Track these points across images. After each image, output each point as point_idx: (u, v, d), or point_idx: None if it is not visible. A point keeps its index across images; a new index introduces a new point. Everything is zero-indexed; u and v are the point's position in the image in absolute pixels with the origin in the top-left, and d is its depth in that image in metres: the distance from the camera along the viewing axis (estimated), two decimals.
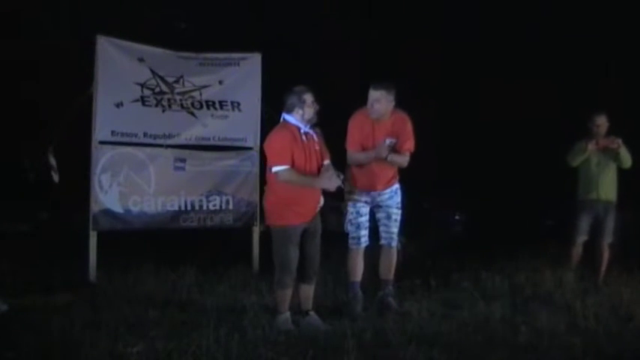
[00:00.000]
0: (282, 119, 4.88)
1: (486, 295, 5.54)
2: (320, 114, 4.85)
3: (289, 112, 4.81)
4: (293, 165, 4.70)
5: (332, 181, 4.75)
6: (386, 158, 5.26)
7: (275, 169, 4.72)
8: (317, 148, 4.84)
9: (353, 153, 5.34)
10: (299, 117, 4.79)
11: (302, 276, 4.89)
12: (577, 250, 6.47)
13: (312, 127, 4.86)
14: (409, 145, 5.38)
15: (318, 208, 4.89)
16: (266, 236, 7.32)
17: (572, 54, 11.65)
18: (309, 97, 4.77)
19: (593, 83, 10.93)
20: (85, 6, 11.00)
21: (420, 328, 4.59)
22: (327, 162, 4.91)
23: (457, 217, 13.11)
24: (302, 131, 4.78)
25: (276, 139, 4.78)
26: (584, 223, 6.45)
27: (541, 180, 11.20)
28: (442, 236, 10.33)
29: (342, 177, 4.84)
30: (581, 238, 6.47)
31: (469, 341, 4.35)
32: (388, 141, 5.28)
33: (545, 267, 6.45)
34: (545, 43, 11.93)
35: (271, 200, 4.88)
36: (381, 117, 5.26)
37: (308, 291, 4.92)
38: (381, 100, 5.19)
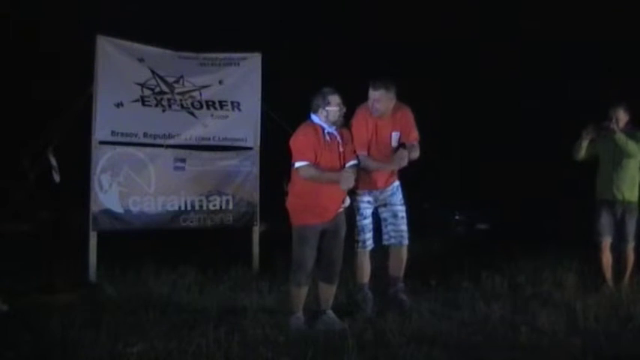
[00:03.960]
0: (309, 118, 4.91)
1: (486, 295, 5.54)
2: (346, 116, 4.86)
3: (314, 112, 4.83)
4: (317, 163, 4.74)
5: (347, 181, 4.74)
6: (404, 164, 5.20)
7: (297, 164, 4.76)
8: (341, 149, 4.84)
9: (363, 157, 5.20)
10: (323, 117, 4.80)
11: (323, 276, 4.90)
12: (606, 255, 6.06)
13: (338, 128, 4.85)
14: (415, 134, 5.34)
15: (342, 209, 4.90)
16: (266, 236, 7.37)
17: (575, 53, 11.65)
18: (334, 99, 4.77)
19: (596, 82, 10.91)
20: (85, 6, 11.00)
21: (420, 328, 4.58)
22: (351, 163, 4.90)
23: (457, 217, 13.13)
24: (326, 131, 4.80)
25: (300, 137, 4.82)
26: (605, 224, 6.06)
27: (542, 180, 11.21)
28: (442, 236, 10.32)
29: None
30: (606, 239, 6.06)
31: (469, 341, 4.35)
32: (395, 134, 5.27)
33: (545, 267, 6.44)
34: (546, 40, 11.93)
35: (292, 200, 4.90)
36: (384, 114, 5.25)
37: (328, 291, 4.92)
38: (381, 100, 5.17)
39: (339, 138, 4.85)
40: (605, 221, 6.09)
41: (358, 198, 5.37)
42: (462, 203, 12.95)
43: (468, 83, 12.51)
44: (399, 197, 5.48)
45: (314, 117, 4.85)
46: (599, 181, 6.21)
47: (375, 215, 5.51)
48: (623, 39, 10.95)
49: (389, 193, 5.44)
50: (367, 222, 5.40)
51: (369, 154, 5.24)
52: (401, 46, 12.42)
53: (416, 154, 5.25)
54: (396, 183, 5.49)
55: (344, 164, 4.86)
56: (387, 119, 5.28)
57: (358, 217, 5.37)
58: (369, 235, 5.41)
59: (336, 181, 4.74)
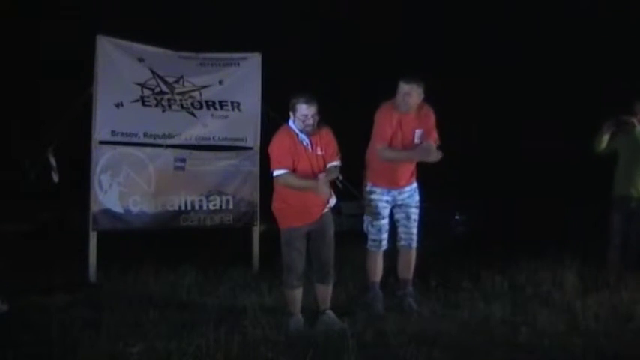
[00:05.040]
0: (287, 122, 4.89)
1: (486, 295, 5.54)
2: (318, 124, 4.77)
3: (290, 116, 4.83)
4: (294, 169, 4.72)
5: (324, 189, 4.70)
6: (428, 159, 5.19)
7: (275, 173, 4.76)
8: (319, 152, 4.80)
9: (384, 149, 5.22)
10: (292, 123, 4.81)
11: (317, 277, 4.92)
12: (614, 255, 6.03)
13: (318, 127, 4.80)
14: (435, 136, 5.32)
15: (327, 209, 4.88)
16: (266, 236, 7.37)
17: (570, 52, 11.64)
18: (301, 109, 4.69)
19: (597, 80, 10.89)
20: (85, 6, 11.02)
21: (420, 328, 4.58)
22: (333, 164, 4.85)
23: (457, 217, 13.13)
24: (299, 137, 4.77)
25: (276, 144, 4.81)
26: (619, 224, 6.03)
27: (543, 180, 11.22)
28: (442, 236, 10.32)
29: (340, 179, 4.81)
30: (617, 240, 6.04)
31: (469, 341, 4.34)
32: (418, 132, 5.26)
33: (545, 267, 6.44)
34: (544, 39, 11.92)
35: (276, 204, 4.91)
36: (410, 109, 5.23)
37: (324, 291, 4.92)
38: (412, 94, 5.15)
39: (310, 145, 4.78)
40: (619, 221, 6.05)
41: (377, 197, 5.36)
42: (462, 203, 12.95)
43: (468, 82, 12.52)
44: (415, 199, 5.47)
45: (290, 121, 4.83)
46: (617, 176, 6.15)
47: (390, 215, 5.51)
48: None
49: (407, 194, 5.42)
50: (385, 222, 5.40)
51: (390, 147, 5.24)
52: (399, 46, 12.43)
53: (437, 154, 5.17)
54: (415, 185, 5.49)
55: (324, 167, 4.82)
56: (411, 116, 5.26)
57: (376, 217, 5.36)
58: (385, 236, 5.41)
59: (313, 189, 4.71)
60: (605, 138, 6.03)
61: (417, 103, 5.24)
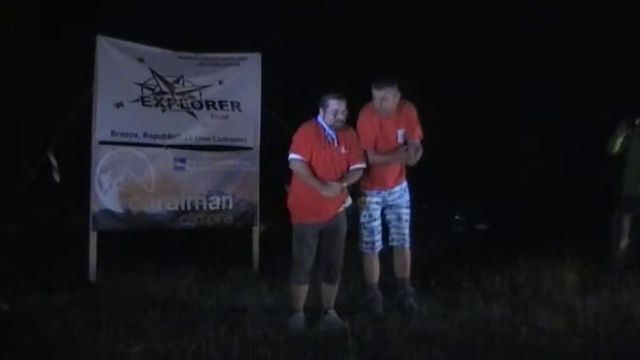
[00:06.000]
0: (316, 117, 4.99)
1: (486, 295, 5.55)
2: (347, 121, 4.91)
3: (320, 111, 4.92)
4: (310, 160, 4.79)
5: (330, 192, 4.76)
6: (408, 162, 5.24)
7: (290, 156, 4.84)
8: (343, 151, 4.88)
9: (370, 154, 5.26)
10: (322, 118, 4.88)
11: (324, 275, 4.95)
12: (620, 255, 6.11)
13: (343, 128, 4.88)
14: (418, 132, 5.35)
15: (342, 208, 4.92)
16: (266, 236, 7.37)
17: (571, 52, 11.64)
18: (332, 104, 4.81)
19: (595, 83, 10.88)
20: (84, 6, 11.01)
21: (420, 328, 4.59)
22: (356, 166, 4.94)
23: (457, 217, 13.11)
24: (327, 132, 4.86)
25: (300, 132, 4.91)
26: (626, 223, 6.13)
27: (543, 179, 11.21)
28: (442, 236, 10.32)
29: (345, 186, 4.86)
30: (624, 241, 6.15)
31: (469, 341, 4.35)
32: (400, 132, 5.30)
33: (545, 267, 6.45)
34: (545, 40, 11.92)
35: (292, 199, 4.97)
36: (389, 114, 5.27)
37: (329, 290, 4.96)
38: (387, 98, 5.20)
39: (337, 141, 4.87)
40: (627, 218, 6.13)
41: (367, 199, 5.38)
42: (462, 203, 12.94)
43: (468, 82, 12.50)
44: (405, 199, 5.50)
45: (319, 116, 4.92)
46: (627, 176, 6.25)
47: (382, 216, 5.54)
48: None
49: (397, 194, 5.45)
50: (377, 224, 5.44)
51: (375, 152, 5.28)
52: (400, 46, 12.42)
53: (418, 154, 5.23)
54: (404, 184, 5.52)
55: (347, 167, 4.89)
56: (392, 117, 5.30)
57: (367, 219, 5.39)
58: (378, 237, 5.44)
59: (319, 190, 4.76)
60: (619, 140, 6.16)
61: (395, 104, 5.27)
